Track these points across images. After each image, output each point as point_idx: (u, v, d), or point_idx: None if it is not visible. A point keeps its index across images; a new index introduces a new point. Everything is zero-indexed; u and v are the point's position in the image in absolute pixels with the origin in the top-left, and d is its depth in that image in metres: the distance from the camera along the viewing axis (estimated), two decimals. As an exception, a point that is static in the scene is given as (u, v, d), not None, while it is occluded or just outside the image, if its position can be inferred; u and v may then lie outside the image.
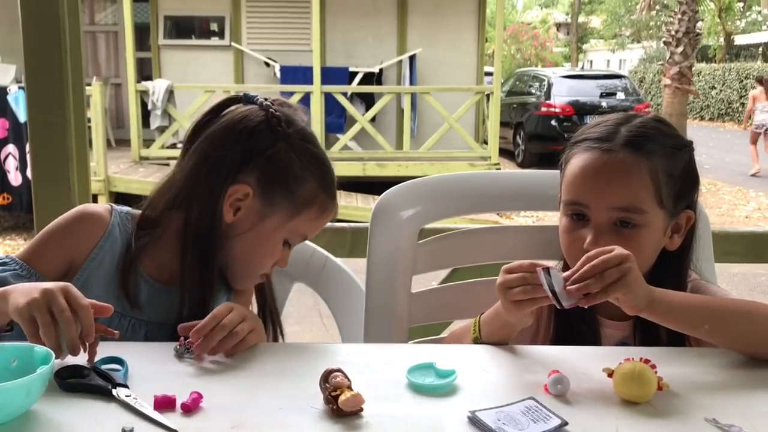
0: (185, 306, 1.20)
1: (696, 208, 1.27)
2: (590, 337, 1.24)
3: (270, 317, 1.34)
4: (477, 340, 1.17)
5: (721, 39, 28.72)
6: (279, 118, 1.21)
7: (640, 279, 1.03)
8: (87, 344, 0.99)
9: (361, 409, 0.89)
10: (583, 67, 30.78)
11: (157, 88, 9.42)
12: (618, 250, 1.02)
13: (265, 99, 1.26)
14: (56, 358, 0.96)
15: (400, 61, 10.34)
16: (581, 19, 37.76)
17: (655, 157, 1.20)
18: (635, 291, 1.02)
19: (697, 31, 11.96)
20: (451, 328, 1.40)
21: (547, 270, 1.01)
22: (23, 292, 0.99)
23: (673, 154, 1.22)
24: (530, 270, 1.04)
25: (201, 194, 1.19)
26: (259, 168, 1.20)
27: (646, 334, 1.21)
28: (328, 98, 9.07)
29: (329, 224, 1.32)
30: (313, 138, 1.27)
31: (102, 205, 1.26)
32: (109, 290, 1.19)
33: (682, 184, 1.23)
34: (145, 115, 9.39)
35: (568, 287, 1.00)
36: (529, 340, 1.25)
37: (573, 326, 1.22)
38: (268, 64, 10.03)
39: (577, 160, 1.23)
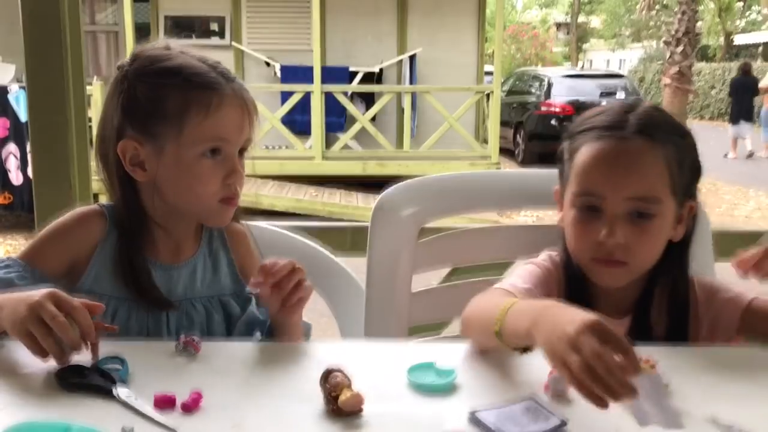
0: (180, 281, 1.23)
1: (696, 197, 1.25)
2: None
3: None
4: (498, 335, 1.03)
5: (721, 39, 28.71)
6: (122, 65, 1.19)
7: None
8: (89, 343, 0.98)
9: (361, 409, 0.89)
10: (583, 67, 30.74)
11: (157, 87, 9.40)
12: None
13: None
14: (61, 363, 0.97)
15: (401, 61, 10.33)
16: (581, 19, 37.76)
17: (668, 145, 1.17)
18: None
19: (697, 30, 11.96)
20: (477, 313, 1.14)
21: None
22: (11, 310, 0.98)
23: (681, 143, 1.20)
24: None
25: (110, 172, 1.21)
26: (123, 117, 1.17)
27: (640, 332, 1.18)
28: (329, 98, 9.06)
29: (329, 224, 1.31)
30: (157, 57, 1.18)
31: (92, 206, 1.27)
32: (117, 278, 1.20)
33: (690, 173, 1.21)
34: (146, 114, 9.37)
35: None
36: None
37: None
38: (268, 64, 10.02)
39: (589, 150, 1.18)
